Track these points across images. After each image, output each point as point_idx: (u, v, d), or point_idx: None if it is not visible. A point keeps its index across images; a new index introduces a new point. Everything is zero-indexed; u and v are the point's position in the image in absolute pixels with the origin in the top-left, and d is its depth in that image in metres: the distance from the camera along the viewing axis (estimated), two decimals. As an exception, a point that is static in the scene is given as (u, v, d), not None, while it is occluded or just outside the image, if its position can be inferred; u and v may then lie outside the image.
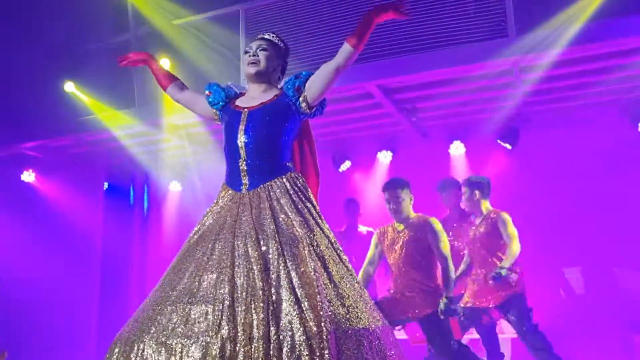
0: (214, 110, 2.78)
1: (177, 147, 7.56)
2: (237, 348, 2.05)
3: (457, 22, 5.40)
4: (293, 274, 2.22)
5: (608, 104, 6.46)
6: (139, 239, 8.64)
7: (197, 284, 2.26)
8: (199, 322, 2.12)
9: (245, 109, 2.63)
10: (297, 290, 2.18)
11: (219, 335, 2.07)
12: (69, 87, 6.74)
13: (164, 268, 4.87)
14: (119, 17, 6.88)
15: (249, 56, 2.67)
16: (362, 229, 6.49)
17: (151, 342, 2.15)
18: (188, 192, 6.40)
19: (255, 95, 2.70)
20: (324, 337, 2.08)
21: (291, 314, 2.12)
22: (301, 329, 2.08)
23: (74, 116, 6.85)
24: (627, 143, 6.48)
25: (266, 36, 2.76)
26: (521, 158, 6.47)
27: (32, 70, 7.01)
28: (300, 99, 2.59)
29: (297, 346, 2.05)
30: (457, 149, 6.96)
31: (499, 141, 6.70)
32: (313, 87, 2.59)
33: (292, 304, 2.14)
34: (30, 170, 7.79)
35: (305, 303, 2.15)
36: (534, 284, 4.61)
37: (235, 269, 2.24)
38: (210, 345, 2.05)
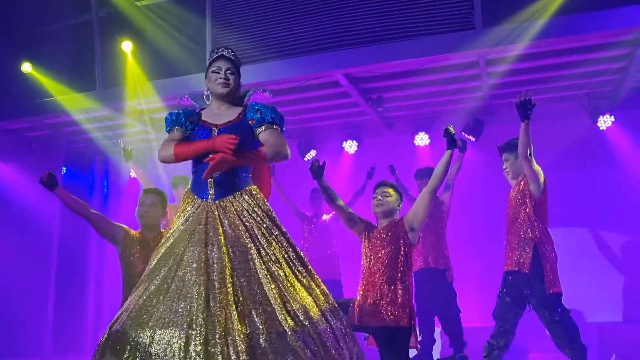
0: (185, 131, 2.93)
1: (139, 132, 7.39)
2: (215, 340, 2.29)
3: (425, 13, 5.43)
4: (262, 274, 2.54)
5: (569, 99, 6.60)
6: (98, 226, 8.43)
7: (175, 284, 2.51)
8: (181, 316, 2.38)
9: (215, 127, 2.86)
10: (267, 289, 2.50)
11: (197, 329, 2.33)
12: (27, 67, 6.52)
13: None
14: (80, -4, 6.65)
15: (220, 78, 2.88)
16: (326, 217, 6.56)
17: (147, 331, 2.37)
18: (150, 179, 6.31)
19: (219, 112, 2.92)
20: (299, 333, 2.38)
21: (266, 311, 2.43)
22: (273, 326, 2.38)
23: (32, 98, 6.64)
24: (586, 137, 6.64)
25: (230, 56, 2.93)
26: (485, 151, 6.54)
27: (-13, 49, 6.75)
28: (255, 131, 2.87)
29: (265, 343, 2.32)
30: (422, 140, 7.03)
31: (463, 133, 6.77)
32: (262, 138, 2.84)
33: (265, 302, 2.46)
34: (-16, 153, 7.47)
35: (279, 301, 2.48)
36: (496, 273, 4.67)
37: (209, 269, 2.52)
38: (191, 336, 2.30)
